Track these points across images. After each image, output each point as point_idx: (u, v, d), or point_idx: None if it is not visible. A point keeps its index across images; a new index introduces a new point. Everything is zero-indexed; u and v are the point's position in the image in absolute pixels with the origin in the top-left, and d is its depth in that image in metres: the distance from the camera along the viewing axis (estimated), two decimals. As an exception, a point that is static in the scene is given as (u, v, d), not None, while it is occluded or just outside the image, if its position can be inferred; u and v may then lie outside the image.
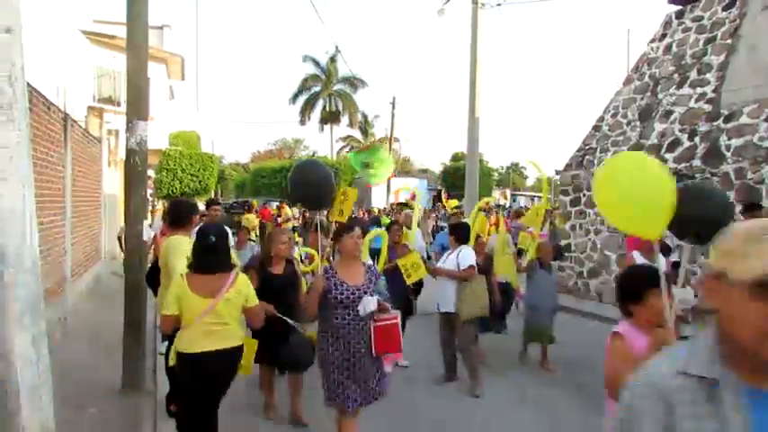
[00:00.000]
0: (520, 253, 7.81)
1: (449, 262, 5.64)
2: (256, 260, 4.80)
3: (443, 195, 22.64)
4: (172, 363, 3.47)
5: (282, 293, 4.39)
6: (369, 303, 3.49)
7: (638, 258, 5.21)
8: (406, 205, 20.92)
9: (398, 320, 3.63)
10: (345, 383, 3.53)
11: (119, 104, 14.77)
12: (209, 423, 3.45)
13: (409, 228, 7.39)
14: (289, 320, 4.29)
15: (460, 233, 5.76)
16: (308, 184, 4.90)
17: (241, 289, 3.40)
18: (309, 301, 3.62)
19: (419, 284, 6.81)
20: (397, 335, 3.59)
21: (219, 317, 3.30)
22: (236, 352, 3.43)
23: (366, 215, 20.56)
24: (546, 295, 6.22)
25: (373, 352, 3.57)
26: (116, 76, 14.98)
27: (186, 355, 3.27)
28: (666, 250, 5.71)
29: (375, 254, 6.28)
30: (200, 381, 3.33)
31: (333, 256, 5.49)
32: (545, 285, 6.23)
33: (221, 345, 3.31)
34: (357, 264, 3.72)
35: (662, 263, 4.08)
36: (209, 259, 3.34)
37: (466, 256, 5.56)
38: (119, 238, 8.49)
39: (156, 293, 4.72)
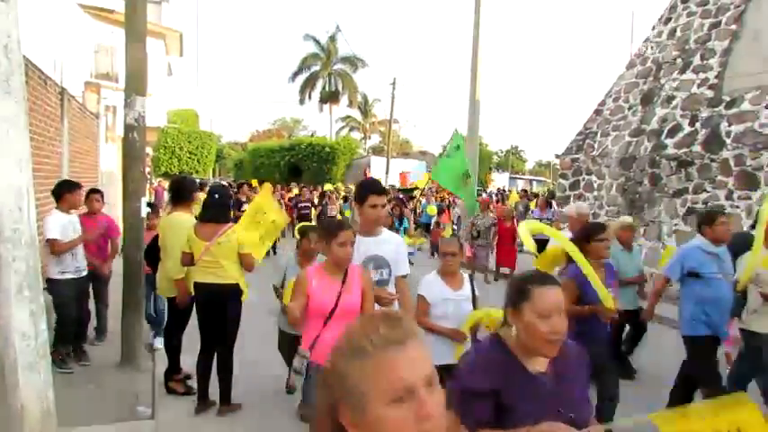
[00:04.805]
0: None
1: None
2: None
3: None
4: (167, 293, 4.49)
5: None
6: None
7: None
8: (412, 192, 19.60)
9: None
10: None
11: (116, 80, 14.57)
12: (223, 357, 4.09)
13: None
14: None
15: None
16: None
17: (231, 236, 4.00)
18: None
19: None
20: None
21: (214, 257, 3.96)
22: (231, 288, 4.03)
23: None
24: None
25: None
26: (113, 52, 14.77)
27: (195, 284, 4.08)
28: None
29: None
30: (203, 305, 4.08)
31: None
32: None
33: (216, 280, 3.99)
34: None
35: None
36: (210, 212, 4.08)
37: None
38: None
39: (154, 270, 4.72)
